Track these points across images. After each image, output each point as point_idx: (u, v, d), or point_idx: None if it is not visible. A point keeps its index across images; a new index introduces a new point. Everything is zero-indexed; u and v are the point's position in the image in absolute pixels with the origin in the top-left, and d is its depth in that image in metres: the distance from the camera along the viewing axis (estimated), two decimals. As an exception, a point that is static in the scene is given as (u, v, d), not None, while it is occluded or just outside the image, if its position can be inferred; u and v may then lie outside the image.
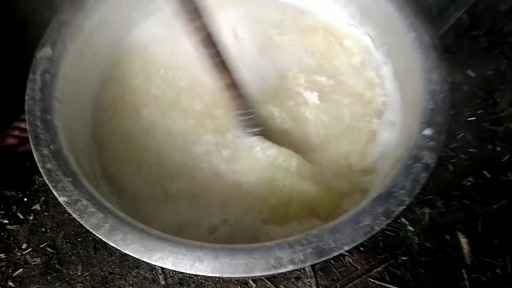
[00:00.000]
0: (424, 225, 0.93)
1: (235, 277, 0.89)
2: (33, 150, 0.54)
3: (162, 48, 0.81)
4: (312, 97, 0.76)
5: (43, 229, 0.94)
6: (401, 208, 0.51)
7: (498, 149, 1.03)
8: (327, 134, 0.74)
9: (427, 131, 0.57)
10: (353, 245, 0.49)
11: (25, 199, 0.97)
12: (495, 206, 0.96)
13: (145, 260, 0.47)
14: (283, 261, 0.47)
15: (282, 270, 0.47)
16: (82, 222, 0.50)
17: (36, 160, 0.54)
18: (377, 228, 0.50)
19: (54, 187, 0.52)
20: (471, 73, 1.13)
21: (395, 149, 0.65)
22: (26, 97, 0.58)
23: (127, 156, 0.70)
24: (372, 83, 0.79)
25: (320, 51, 0.84)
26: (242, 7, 0.88)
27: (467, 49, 1.17)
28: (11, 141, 1.01)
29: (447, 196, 0.97)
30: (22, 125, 1.02)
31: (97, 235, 0.49)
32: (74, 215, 0.50)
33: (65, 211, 0.87)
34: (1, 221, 0.94)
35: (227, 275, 0.47)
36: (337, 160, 0.70)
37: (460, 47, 1.18)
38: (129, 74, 0.79)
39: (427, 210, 0.95)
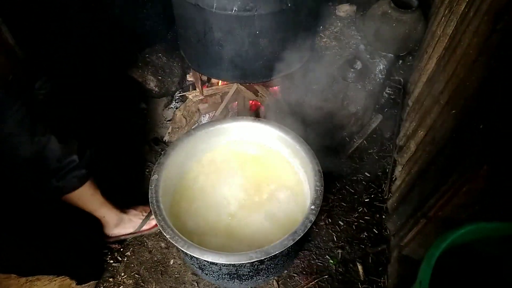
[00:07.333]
0: (338, 259, 1.70)
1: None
2: (155, 217, 1.36)
3: (200, 172, 1.68)
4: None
5: (132, 265, 1.71)
6: (298, 237, 1.31)
7: (383, 216, 1.83)
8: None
9: (312, 206, 1.39)
10: (278, 251, 1.27)
11: (121, 249, 1.76)
12: (379, 248, 1.73)
13: (200, 257, 1.26)
14: (252, 257, 1.26)
15: (251, 261, 1.26)
16: (175, 244, 1.30)
17: (156, 221, 1.35)
18: (289, 244, 1.29)
19: (164, 232, 1.33)
20: (367, 174, 1.99)
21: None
22: (149, 197, 1.43)
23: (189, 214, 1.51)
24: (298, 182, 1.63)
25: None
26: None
27: (366, 160, 2.05)
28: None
29: (352, 243, 1.75)
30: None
31: (181, 249, 1.28)
32: (172, 242, 1.30)
33: (145, 255, 1.67)
34: (109, 261, 1.72)
35: (227, 262, 1.24)
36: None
37: (361, 158, 2.05)
38: (188, 179, 1.65)
39: (340, 251, 1.72)
